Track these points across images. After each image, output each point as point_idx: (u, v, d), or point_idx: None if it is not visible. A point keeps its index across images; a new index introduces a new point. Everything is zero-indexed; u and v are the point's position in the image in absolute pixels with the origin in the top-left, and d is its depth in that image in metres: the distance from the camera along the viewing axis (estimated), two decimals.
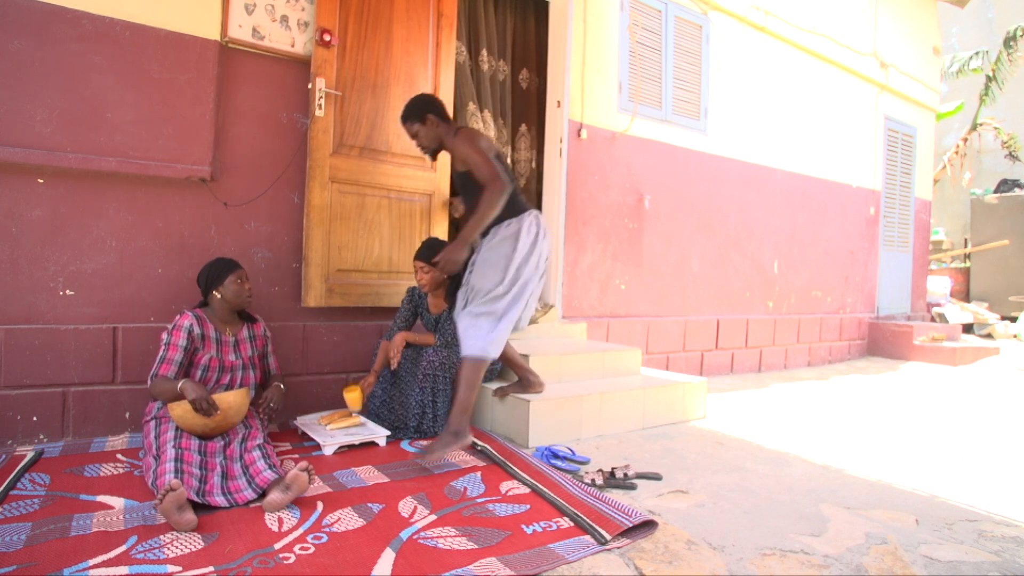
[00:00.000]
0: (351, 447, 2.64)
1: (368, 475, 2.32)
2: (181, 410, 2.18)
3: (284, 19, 3.03)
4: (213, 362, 2.44)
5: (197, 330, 2.43)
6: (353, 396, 2.81)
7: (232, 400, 2.26)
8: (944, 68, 10.87)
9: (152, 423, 2.34)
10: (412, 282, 3.34)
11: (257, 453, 2.13)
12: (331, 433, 2.67)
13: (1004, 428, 3.61)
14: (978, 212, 10.72)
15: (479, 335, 2.50)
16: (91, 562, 1.57)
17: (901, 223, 7.16)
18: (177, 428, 2.24)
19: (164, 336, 2.40)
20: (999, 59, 10.72)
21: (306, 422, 2.82)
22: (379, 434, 2.72)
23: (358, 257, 3.21)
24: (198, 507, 1.88)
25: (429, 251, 2.91)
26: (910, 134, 7.17)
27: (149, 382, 2.35)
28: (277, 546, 1.70)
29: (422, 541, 1.76)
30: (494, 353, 2.53)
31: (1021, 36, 10.55)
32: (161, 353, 2.36)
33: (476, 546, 1.74)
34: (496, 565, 1.63)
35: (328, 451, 2.55)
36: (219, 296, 2.50)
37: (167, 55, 2.71)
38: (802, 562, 1.75)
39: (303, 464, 1.98)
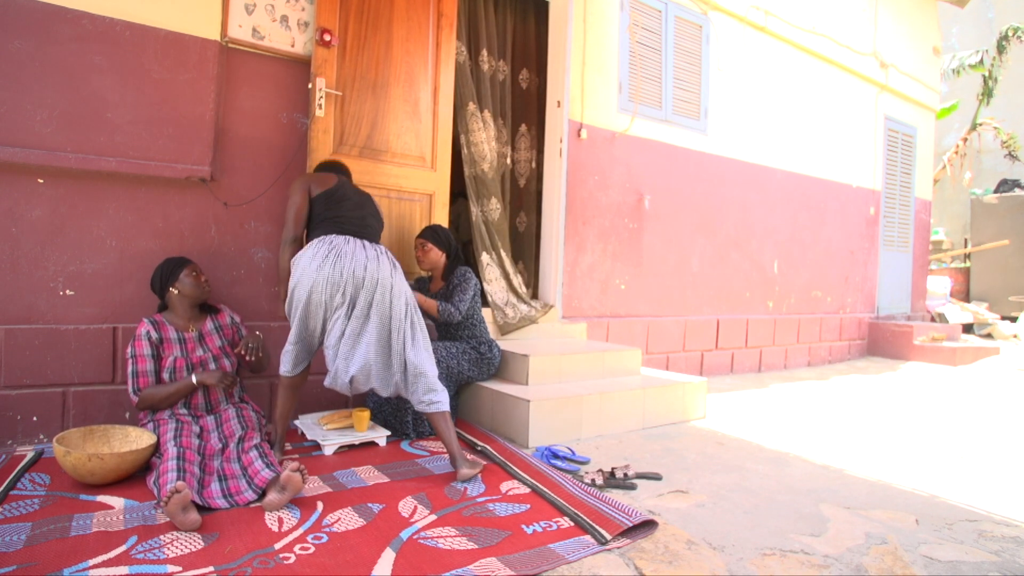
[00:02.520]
0: (351, 447, 2.64)
1: (368, 475, 2.32)
2: (73, 460, 2.02)
3: (284, 19, 3.03)
4: (179, 362, 2.45)
5: (155, 335, 2.44)
6: (362, 416, 2.75)
7: (127, 461, 2.09)
8: (944, 68, 10.88)
9: (150, 425, 2.35)
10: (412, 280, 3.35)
11: (255, 453, 2.13)
12: (329, 433, 2.67)
13: (1004, 428, 3.61)
14: (978, 212, 10.72)
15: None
16: (91, 562, 1.57)
17: (901, 223, 7.16)
18: (176, 427, 2.25)
19: (128, 350, 2.42)
20: (994, 59, 10.77)
21: (306, 423, 2.82)
22: (379, 434, 2.72)
23: None
24: (198, 506, 1.88)
25: (432, 232, 3.15)
26: (910, 134, 7.17)
27: (134, 398, 2.37)
28: (277, 546, 1.70)
29: (422, 541, 1.76)
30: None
31: (1013, 36, 10.59)
32: (132, 367, 2.38)
33: (476, 546, 1.74)
34: (496, 565, 1.63)
35: (328, 451, 2.55)
36: (177, 292, 2.51)
37: (167, 55, 2.71)
38: (802, 562, 1.75)
39: (294, 464, 1.98)
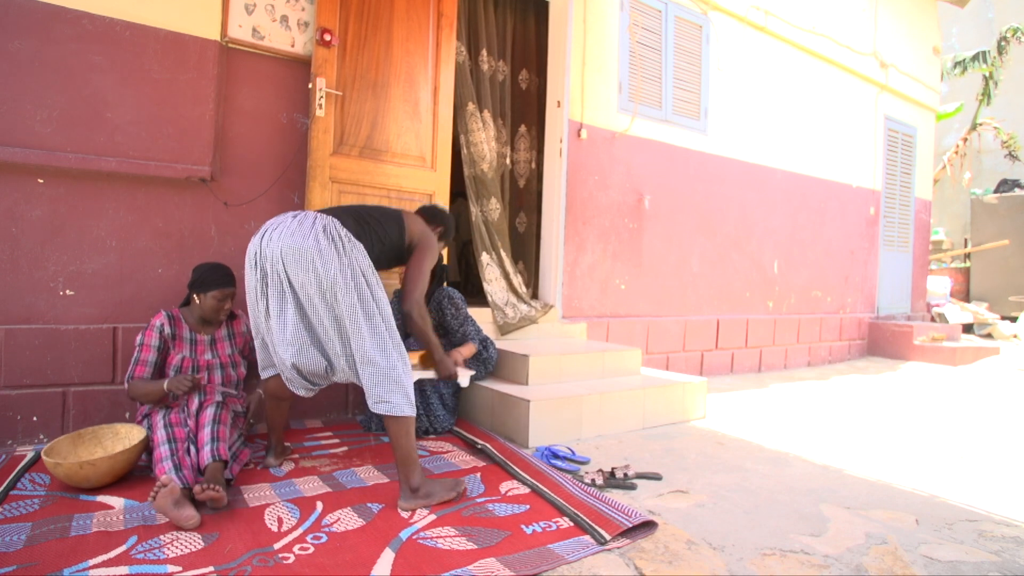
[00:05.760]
0: (350, 447, 2.63)
1: (368, 475, 2.32)
2: (67, 466, 2.00)
3: (284, 19, 3.03)
4: (186, 362, 2.43)
5: (168, 330, 2.42)
6: (423, 356, 2.60)
7: (120, 461, 2.10)
8: (944, 68, 10.90)
9: (144, 421, 2.34)
10: None
11: (209, 430, 2.14)
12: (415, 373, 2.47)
13: (1004, 428, 3.61)
14: (978, 212, 10.72)
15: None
16: (91, 562, 1.57)
17: (901, 223, 7.16)
18: (164, 412, 2.25)
19: (138, 338, 2.40)
20: (994, 60, 10.78)
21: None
22: (463, 374, 2.56)
23: None
24: (200, 506, 1.88)
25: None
26: (910, 134, 7.17)
27: (126, 385, 2.35)
28: (277, 546, 1.70)
29: (422, 541, 1.76)
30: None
31: (1012, 37, 10.61)
32: (135, 355, 2.36)
33: (476, 546, 1.74)
34: (496, 565, 1.63)
35: (463, 382, 2.54)
36: (196, 301, 2.47)
37: (167, 55, 2.71)
38: (802, 562, 1.75)
39: (205, 489, 1.87)
